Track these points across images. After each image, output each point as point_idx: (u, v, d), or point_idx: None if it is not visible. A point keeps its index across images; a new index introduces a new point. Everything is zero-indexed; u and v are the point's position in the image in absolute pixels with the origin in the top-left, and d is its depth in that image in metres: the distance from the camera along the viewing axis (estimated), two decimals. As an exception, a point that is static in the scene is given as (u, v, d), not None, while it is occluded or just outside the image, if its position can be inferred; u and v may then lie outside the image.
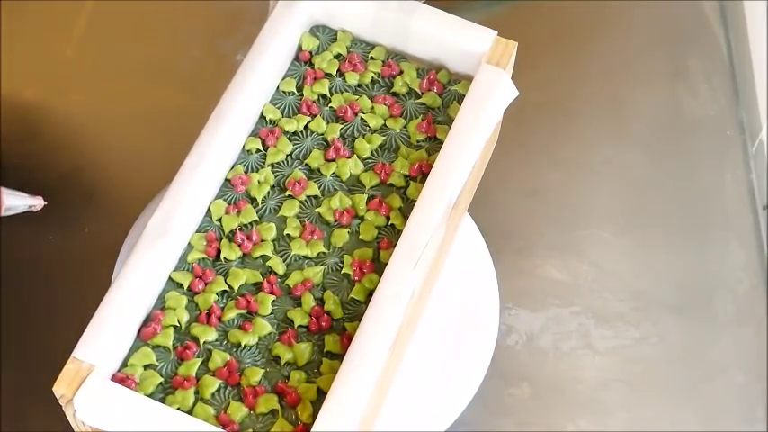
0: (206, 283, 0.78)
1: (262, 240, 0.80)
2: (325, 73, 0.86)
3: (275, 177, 0.82)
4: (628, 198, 1.03)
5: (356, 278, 0.78)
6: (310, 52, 0.87)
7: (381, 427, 0.82)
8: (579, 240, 1.00)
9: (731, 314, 0.97)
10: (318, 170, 0.83)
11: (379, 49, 0.88)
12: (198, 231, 0.80)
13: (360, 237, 0.80)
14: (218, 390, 0.74)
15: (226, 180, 0.82)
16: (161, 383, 0.74)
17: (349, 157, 0.83)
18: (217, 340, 0.76)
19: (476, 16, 1.06)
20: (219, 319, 0.77)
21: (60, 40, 1.07)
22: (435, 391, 0.86)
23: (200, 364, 0.75)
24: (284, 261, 0.79)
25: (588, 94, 1.09)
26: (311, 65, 0.87)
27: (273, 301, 0.77)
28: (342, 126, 0.84)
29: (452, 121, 0.83)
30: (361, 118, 0.85)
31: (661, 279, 0.99)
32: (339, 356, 0.75)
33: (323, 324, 0.76)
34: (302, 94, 0.86)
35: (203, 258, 0.79)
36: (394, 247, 0.77)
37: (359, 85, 0.86)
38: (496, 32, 0.84)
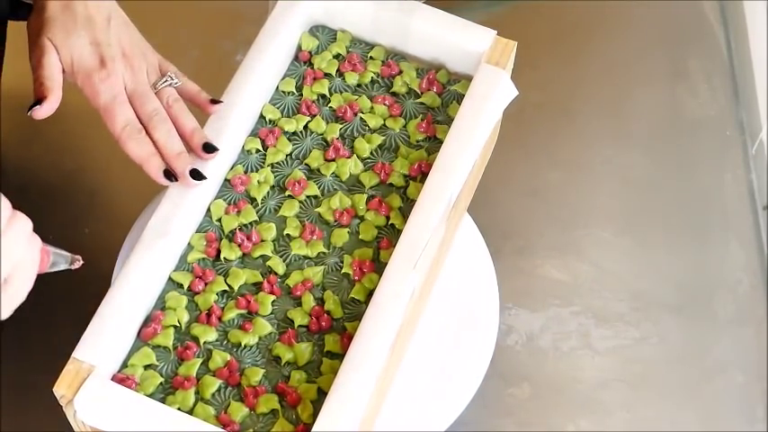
0: (206, 284, 0.78)
1: (262, 240, 0.80)
2: (324, 73, 0.86)
3: (275, 177, 0.82)
4: (628, 198, 1.03)
5: (356, 278, 0.78)
6: (310, 52, 0.87)
7: (381, 427, 0.83)
8: (579, 240, 1.00)
9: (731, 314, 0.97)
10: (318, 170, 0.83)
11: (379, 49, 0.88)
12: (198, 231, 0.80)
13: (360, 236, 0.80)
14: (219, 390, 0.74)
15: (225, 180, 0.82)
16: (161, 384, 0.74)
17: (349, 157, 0.83)
18: (217, 340, 0.76)
19: (476, 16, 1.06)
20: (220, 319, 0.77)
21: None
22: (435, 391, 0.86)
23: (201, 364, 0.75)
24: (284, 261, 0.79)
25: (588, 94, 1.09)
26: (311, 65, 0.87)
27: (273, 301, 0.77)
28: (341, 126, 0.84)
29: (452, 120, 0.83)
30: (361, 118, 0.85)
31: (661, 279, 0.99)
32: (339, 356, 0.75)
33: (323, 324, 0.76)
34: (302, 94, 0.86)
35: (203, 258, 0.79)
36: (394, 246, 0.77)
37: (358, 85, 0.86)
38: (496, 32, 0.84)
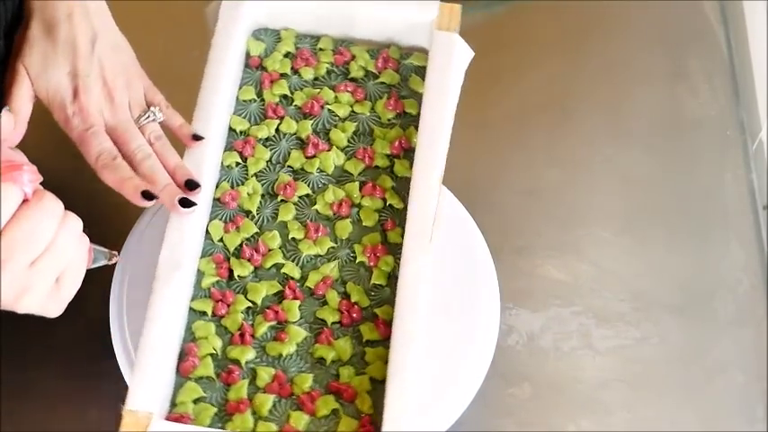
0: (228, 305, 0.77)
1: (269, 250, 0.79)
2: (280, 74, 0.86)
3: (263, 186, 0.82)
4: (628, 197, 1.03)
5: (372, 264, 0.78)
6: (259, 57, 0.87)
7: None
8: (579, 240, 1.00)
9: (731, 314, 0.97)
10: (303, 169, 0.82)
11: (326, 39, 0.88)
12: (203, 256, 0.79)
13: (363, 224, 0.80)
14: (274, 405, 0.74)
15: (215, 200, 0.81)
16: (216, 413, 0.74)
17: (329, 150, 0.83)
18: (257, 357, 0.76)
19: (476, 16, 1.06)
20: (253, 336, 0.76)
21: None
22: (436, 392, 0.86)
23: (248, 384, 0.75)
24: (298, 264, 0.79)
25: (588, 94, 1.09)
26: (263, 69, 0.86)
27: (300, 305, 0.77)
28: (312, 121, 0.84)
29: (416, 93, 0.84)
30: (329, 109, 0.85)
31: (661, 279, 0.99)
32: (379, 342, 0.75)
33: (354, 316, 0.77)
34: (264, 99, 0.85)
35: (217, 281, 0.78)
36: (398, 225, 0.78)
37: (316, 79, 0.86)
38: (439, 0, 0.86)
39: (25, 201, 0.63)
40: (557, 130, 1.06)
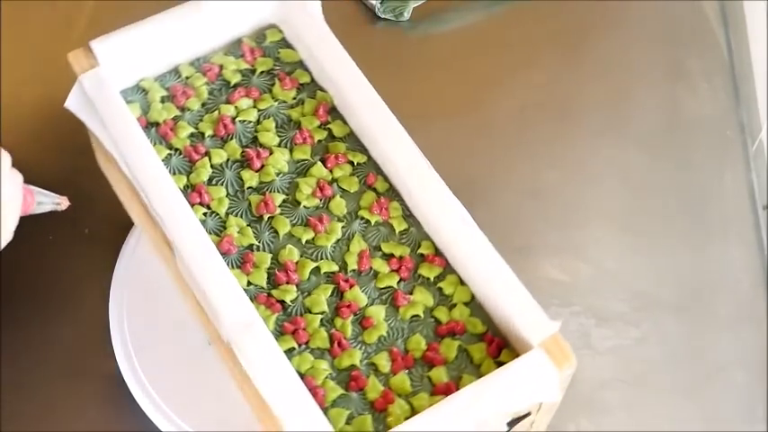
0: (305, 329, 0.76)
1: (296, 263, 0.79)
2: (171, 119, 0.84)
3: (242, 217, 0.80)
4: (628, 198, 1.03)
5: (385, 218, 0.80)
6: (143, 116, 0.84)
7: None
8: (579, 240, 1.00)
9: (731, 314, 0.97)
10: (262, 182, 0.82)
11: (183, 67, 0.86)
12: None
13: (350, 192, 0.81)
14: (410, 379, 0.74)
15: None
16: (367, 419, 0.73)
17: (271, 153, 0.83)
18: (364, 353, 0.76)
19: (476, 16, 1.06)
20: (346, 338, 0.76)
21: (60, 40, 1.07)
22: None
23: (377, 379, 0.74)
24: (328, 258, 0.79)
25: (588, 94, 1.09)
26: (154, 124, 0.84)
27: (360, 289, 0.77)
28: (234, 140, 0.83)
29: (296, 62, 0.85)
30: (239, 121, 0.84)
31: (661, 279, 0.99)
32: (444, 274, 0.78)
33: (408, 266, 0.78)
34: (177, 149, 0.83)
35: (277, 317, 0.77)
36: (377, 173, 0.80)
37: (204, 104, 0.85)
38: None
39: None
40: (557, 130, 1.06)
